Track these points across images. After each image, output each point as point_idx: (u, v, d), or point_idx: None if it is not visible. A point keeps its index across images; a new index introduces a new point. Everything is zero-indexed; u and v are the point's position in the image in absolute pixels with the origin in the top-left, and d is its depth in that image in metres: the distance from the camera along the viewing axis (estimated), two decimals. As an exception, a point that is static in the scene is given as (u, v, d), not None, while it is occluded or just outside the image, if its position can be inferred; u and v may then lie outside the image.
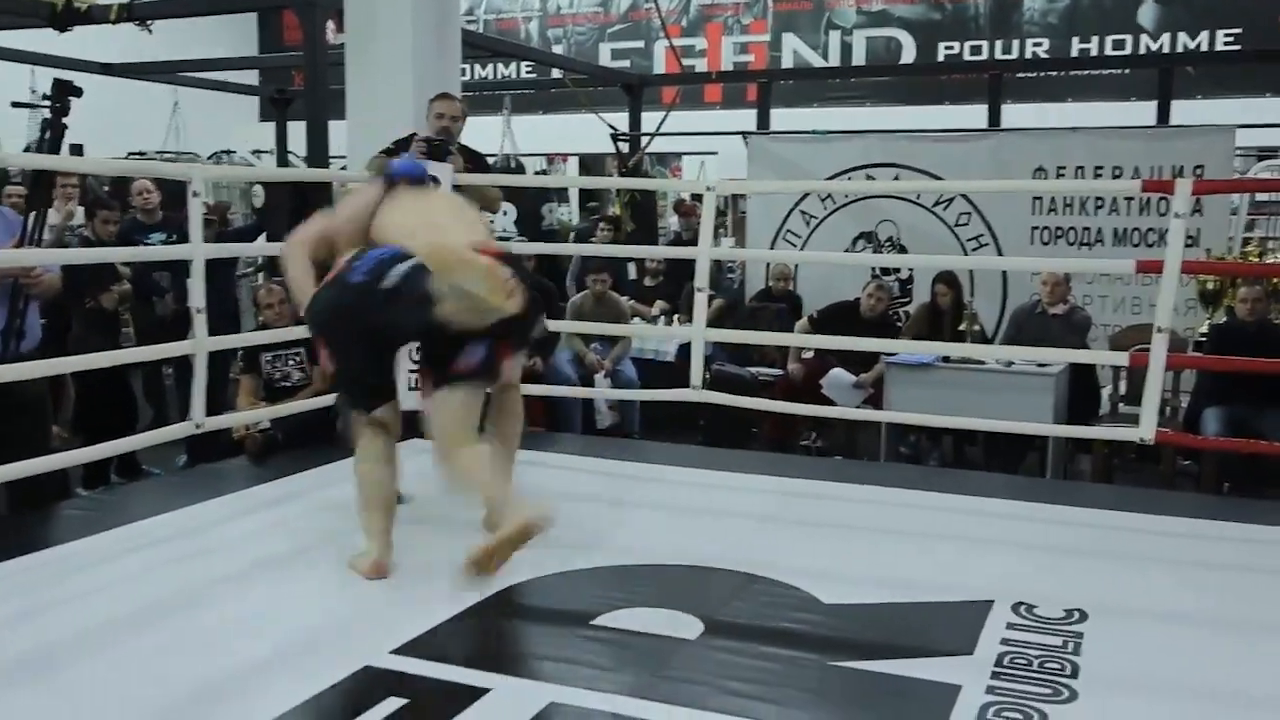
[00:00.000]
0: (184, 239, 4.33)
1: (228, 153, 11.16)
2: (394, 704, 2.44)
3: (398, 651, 2.71)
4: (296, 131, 9.54)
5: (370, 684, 2.55)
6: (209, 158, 10.75)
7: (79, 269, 5.68)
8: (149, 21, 6.71)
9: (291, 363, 5.02)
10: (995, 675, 2.62)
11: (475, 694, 2.50)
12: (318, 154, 6.00)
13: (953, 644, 2.82)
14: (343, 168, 5.92)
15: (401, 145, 5.04)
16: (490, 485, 3.00)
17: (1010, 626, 2.92)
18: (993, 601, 3.08)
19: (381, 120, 5.38)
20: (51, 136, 3.87)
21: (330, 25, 6.62)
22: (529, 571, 3.29)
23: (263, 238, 6.69)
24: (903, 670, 2.66)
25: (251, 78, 12.50)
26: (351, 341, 3.16)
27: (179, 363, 5.78)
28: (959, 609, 3.07)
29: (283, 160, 10.42)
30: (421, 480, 4.09)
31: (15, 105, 4.01)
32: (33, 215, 3.94)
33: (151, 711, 2.43)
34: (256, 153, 11.54)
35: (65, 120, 3.85)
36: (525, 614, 3.08)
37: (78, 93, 3.84)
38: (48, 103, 3.86)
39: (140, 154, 10.49)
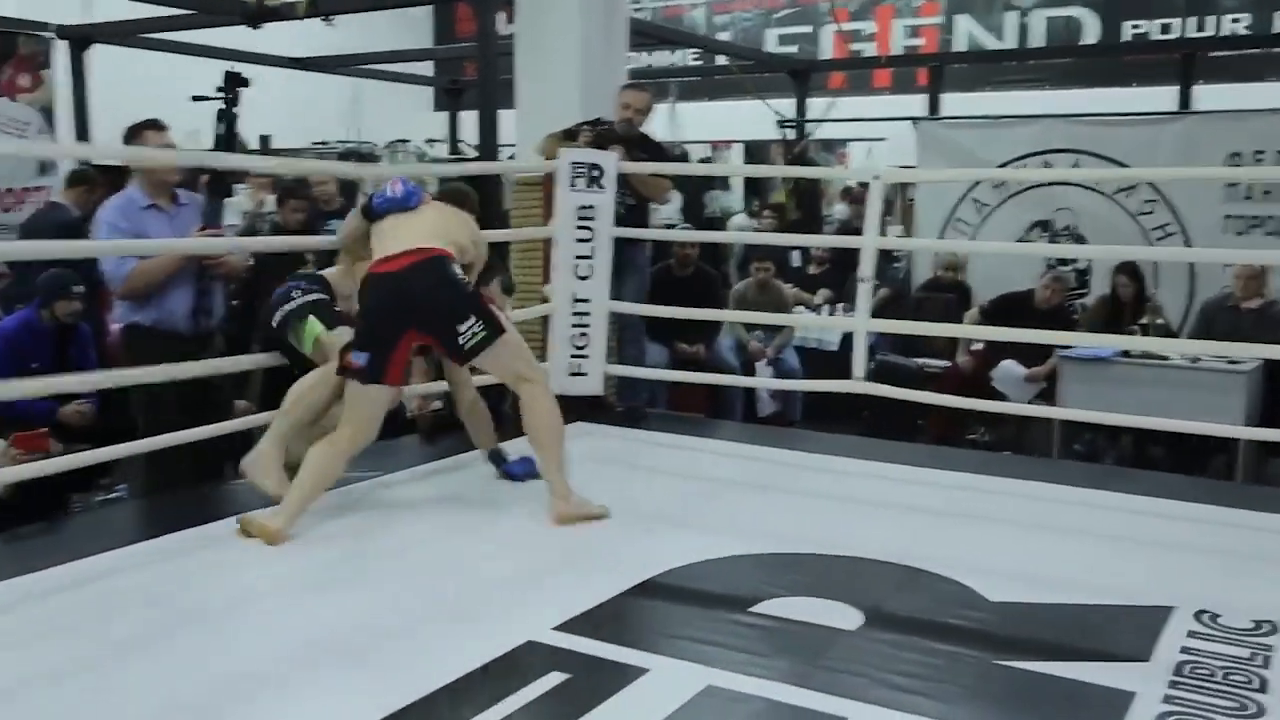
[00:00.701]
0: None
1: (403, 142, 11.54)
2: (556, 678, 2.49)
3: (560, 628, 2.77)
4: (468, 120, 9.81)
5: (533, 658, 2.61)
6: (385, 147, 11.15)
7: (270, 253, 5.98)
8: (332, 16, 7.00)
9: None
10: (1174, 684, 2.50)
11: (634, 673, 2.53)
12: (488, 142, 6.15)
13: (1127, 649, 2.71)
14: (510, 156, 6.06)
15: (580, 128, 5.11)
16: (301, 486, 3.49)
17: (1192, 635, 2.78)
18: (1173, 608, 2.93)
19: (550, 109, 5.47)
20: (226, 127, 4.06)
21: (501, 16, 6.76)
22: (690, 556, 3.32)
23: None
24: (1072, 673, 2.56)
25: (426, 69, 12.89)
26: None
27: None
28: (1135, 613, 2.94)
29: (454, 149, 10.73)
30: (591, 463, 4.17)
31: (195, 99, 4.22)
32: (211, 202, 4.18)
33: (318, 680, 2.54)
34: (430, 142, 11.90)
35: (236, 110, 4.04)
36: (685, 597, 3.09)
37: (246, 84, 4.05)
38: (221, 95, 4.05)
39: (322, 144, 10.96)
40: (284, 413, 3.81)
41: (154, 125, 4.11)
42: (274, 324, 3.95)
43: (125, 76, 8.82)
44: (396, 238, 3.63)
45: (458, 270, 3.60)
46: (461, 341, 3.52)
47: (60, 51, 7.88)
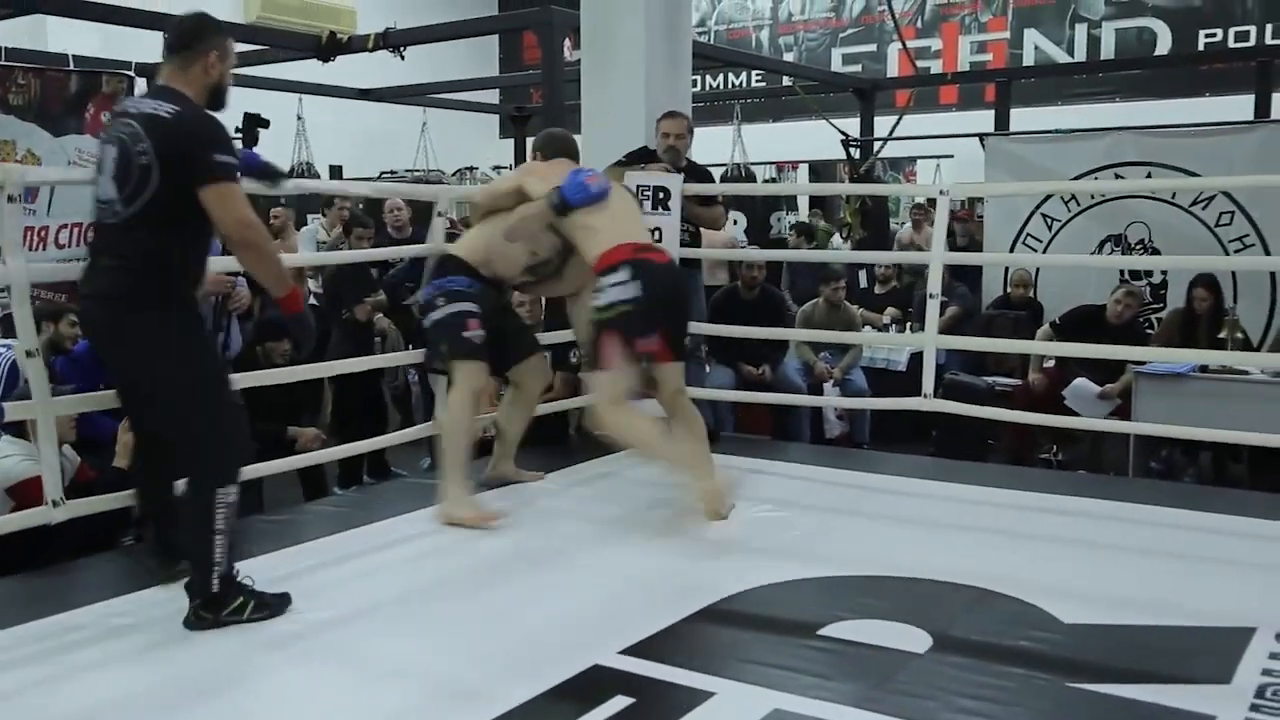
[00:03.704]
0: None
1: (470, 169, 11.69)
2: (622, 702, 2.50)
3: (626, 652, 2.77)
4: (534, 147, 9.90)
5: (600, 682, 2.62)
6: (453, 174, 11.30)
7: (338, 283, 6.10)
8: (402, 48, 7.13)
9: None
10: (1255, 708, 2.43)
11: (700, 697, 2.53)
12: (554, 168, 6.20)
13: (1206, 672, 2.64)
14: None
15: (634, 157, 5.16)
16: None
17: (1274, 656, 2.71)
18: (1254, 629, 2.86)
19: (615, 134, 5.52)
20: None
21: (567, 43, 6.84)
22: (756, 579, 3.31)
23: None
24: (1149, 696, 2.51)
25: (492, 97, 13.07)
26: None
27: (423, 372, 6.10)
28: (1215, 634, 2.87)
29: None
30: (658, 486, 4.17)
31: None
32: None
33: (390, 704, 2.57)
34: (496, 168, 12.04)
35: (255, 150, 4.07)
36: (751, 621, 3.08)
37: (265, 124, 4.07)
38: (239, 135, 4.06)
39: (391, 173, 11.15)
40: (450, 452, 3.93)
41: None
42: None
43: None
44: (626, 221, 3.98)
45: None
46: (687, 343, 4.11)
47: (141, 89, 8.15)
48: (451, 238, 4.85)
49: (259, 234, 2.97)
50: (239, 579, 3.01)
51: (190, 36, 2.98)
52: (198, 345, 3.00)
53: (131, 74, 6.19)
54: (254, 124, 4.05)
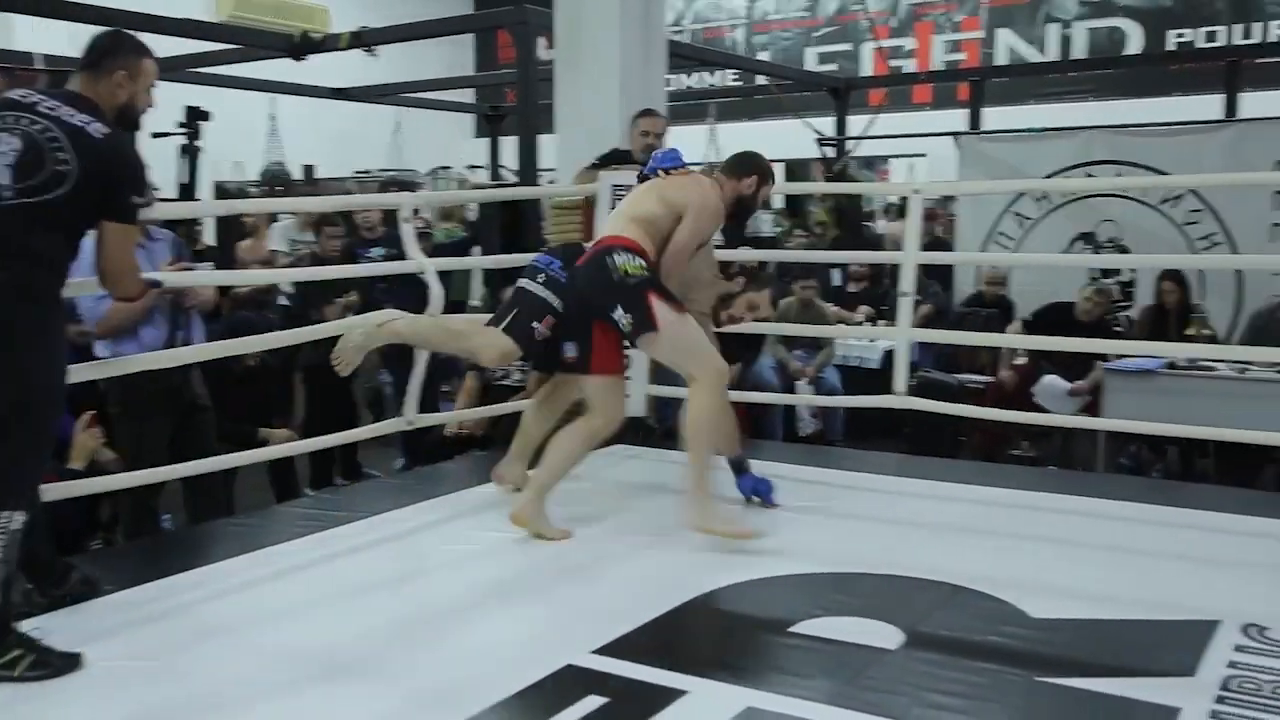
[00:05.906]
0: (403, 255, 4.55)
1: (444, 168, 11.66)
2: (595, 702, 2.50)
3: (599, 651, 2.77)
4: (508, 146, 9.90)
5: (572, 682, 2.62)
6: (427, 174, 11.27)
7: (307, 283, 6.06)
8: (375, 47, 7.10)
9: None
10: (1220, 700, 2.47)
11: (673, 695, 2.53)
12: (528, 167, 6.21)
13: (1172, 664, 2.67)
14: (551, 180, 6.11)
15: (607, 159, 5.15)
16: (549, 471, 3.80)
17: (1239, 649, 2.74)
18: (1219, 622, 2.90)
19: (589, 133, 5.52)
20: (190, 159, 4.04)
21: (542, 42, 6.83)
22: (729, 577, 3.31)
23: (476, 250, 6.95)
24: (1116, 689, 2.53)
25: (467, 96, 13.06)
26: None
27: (396, 373, 6.08)
28: (1180, 628, 2.91)
29: (495, 174, 10.83)
30: (631, 484, 4.18)
31: (155, 135, 4.19)
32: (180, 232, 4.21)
33: (361, 705, 2.56)
34: (471, 167, 12.02)
35: (199, 144, 4.01)
36: (724, 619, 3.10)
37: (206, 117, 4.02)
38: (183, 130, 4.01)
39: (365, 173, 11.10)
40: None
41: None
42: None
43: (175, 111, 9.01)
44: (611, 219, 3.81)
45: (617, 259, 3.57)
46: (621, 326, 3.62)
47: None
48: (425, 236, 4.81)
49: (133, 277, 2.98)
50: (19, 627, 2.63)
51: (99, 53, 2.84)
52: (59, 354, 2.74)
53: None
54: (196, 117, 4.01)
